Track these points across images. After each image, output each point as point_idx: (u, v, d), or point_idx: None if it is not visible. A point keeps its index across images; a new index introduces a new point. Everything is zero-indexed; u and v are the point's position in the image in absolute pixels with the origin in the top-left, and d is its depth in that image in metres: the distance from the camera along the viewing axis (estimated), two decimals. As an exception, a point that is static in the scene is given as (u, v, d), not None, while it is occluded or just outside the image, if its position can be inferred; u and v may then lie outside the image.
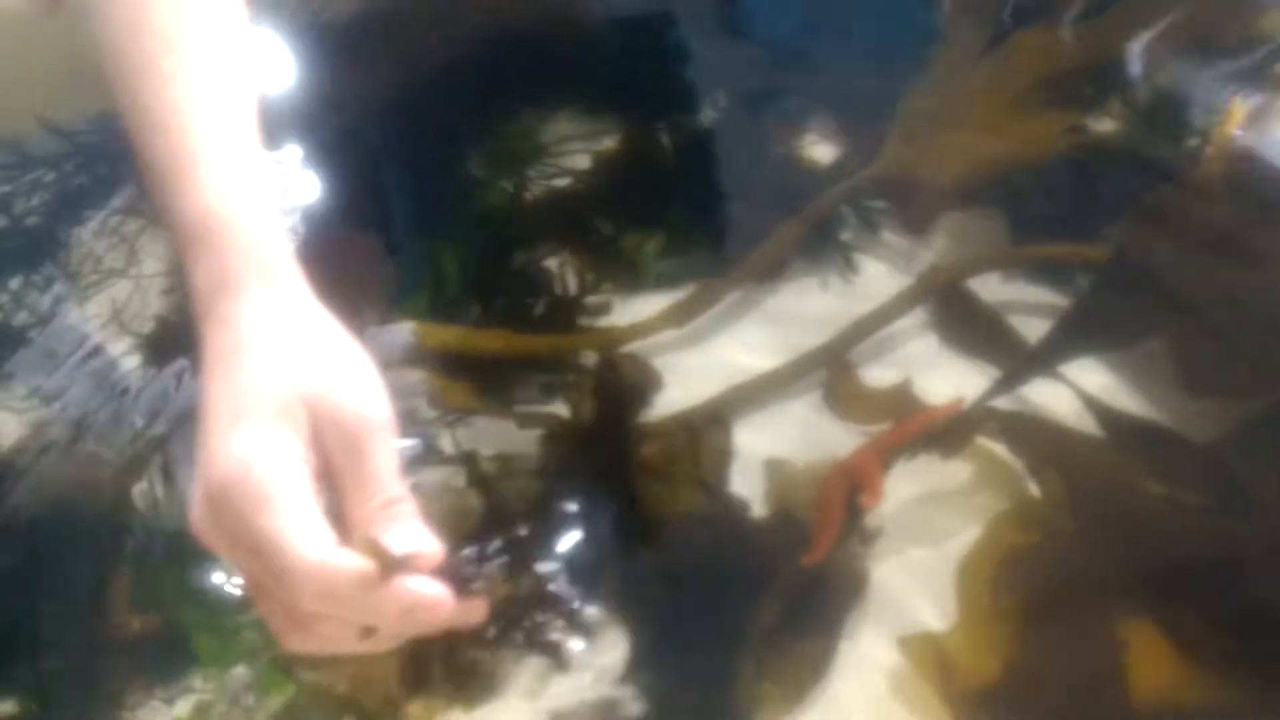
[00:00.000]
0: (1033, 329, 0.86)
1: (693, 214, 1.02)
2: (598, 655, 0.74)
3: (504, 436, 0.86)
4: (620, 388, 0.86)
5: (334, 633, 0.44)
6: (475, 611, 0.46)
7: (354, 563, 0.42)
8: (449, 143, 1.07)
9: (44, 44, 1.09)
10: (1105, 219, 0.91)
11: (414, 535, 0.44)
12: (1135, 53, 0.97)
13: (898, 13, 1.12)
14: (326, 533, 0.43)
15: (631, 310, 0.93)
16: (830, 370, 0.86)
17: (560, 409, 0.86)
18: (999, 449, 0.80)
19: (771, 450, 0.82)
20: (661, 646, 0.74)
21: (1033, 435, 0.79)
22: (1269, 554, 0.70)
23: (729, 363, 0.89)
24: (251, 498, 0.42)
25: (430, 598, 0.43)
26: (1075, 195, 0.94)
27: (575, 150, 1.05)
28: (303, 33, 1.08)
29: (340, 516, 0.45)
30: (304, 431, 0.44)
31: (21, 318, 0.99)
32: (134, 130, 0.53)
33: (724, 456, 0.82)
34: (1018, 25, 1.02)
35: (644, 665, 0.73)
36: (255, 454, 0.43)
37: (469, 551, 0.47)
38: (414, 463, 0.83)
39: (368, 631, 0.45)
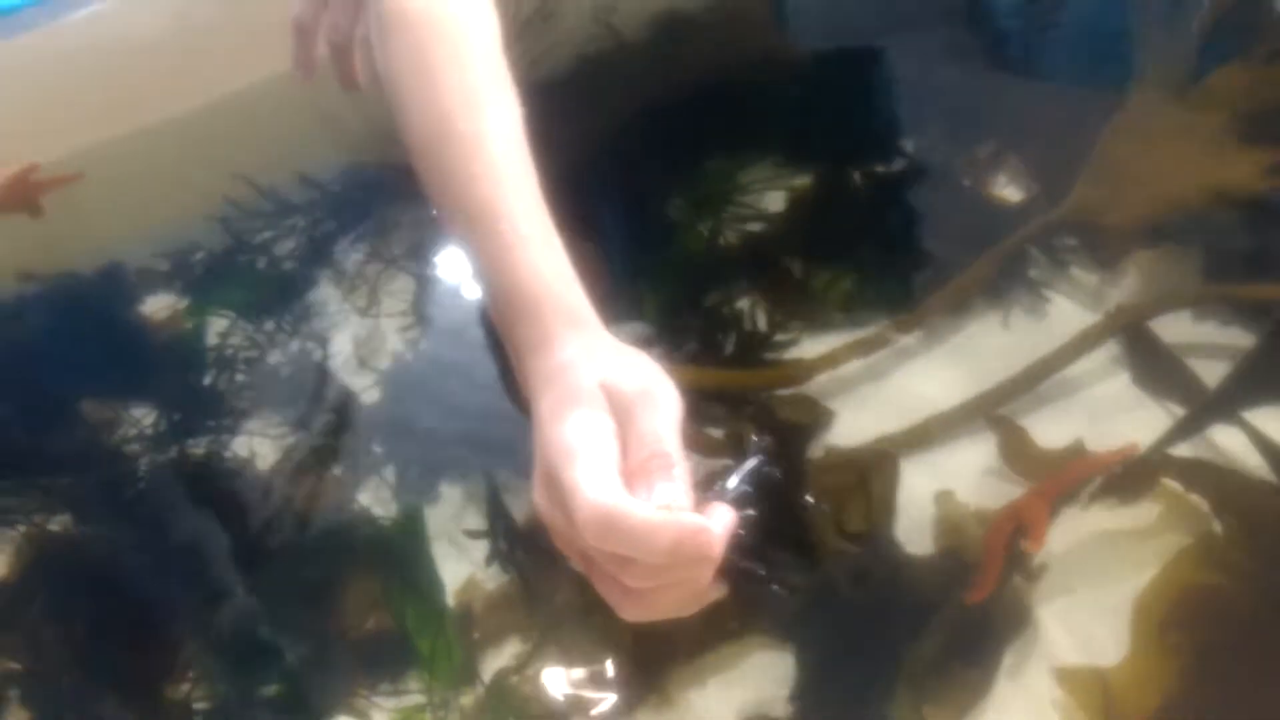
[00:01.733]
0: (1222, 372, 0.86)
1: (883, 253, 1.05)
2: (764, 678, 0.79)
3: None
4: (789, 422, 0.90)
5: (661, 599, 0.52)
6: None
7: (628, 502, 0.48)
8: (652, 188, 1.14)
9: (301, 103, 1.22)
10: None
11: (673, 492, 0.50)
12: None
13: (1099, 50, 1.13)
14: (616, 483, 0.49)
15: (820, 349, 0.96)
16: (1000, 428, 0.87)
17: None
18: (1177, 492, 0.80)
19: (941, 487, 0.85)
20: (824, 671, 0.78)
21: (1211, 479, 0.79)
22: None
23: (909, 397, 0.92)
24: (563, 457, 0.50)
25: (693, 525, 0.48)
26: (1273, 235, 0.93)
27: (772, 189, 1.10)
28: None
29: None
30: (608, 411, 0.53)
31: (275, 355, 1.11)
32: (448, 220, 0.63)
33: (894, 490, 0.86)
34: (1214, 63, 1.01)
35: (807, 689, 0.78)
36: (571, 429, 0.51)
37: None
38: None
39: (695, 595, 0.52)
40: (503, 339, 0.59)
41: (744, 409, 0.94)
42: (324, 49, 0.88)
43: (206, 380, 1.11)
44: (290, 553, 0.97)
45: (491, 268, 0.59)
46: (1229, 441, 0.81)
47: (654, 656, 0.82)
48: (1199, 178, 0.96)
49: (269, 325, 1.13)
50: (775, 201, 1.09)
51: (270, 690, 0.90)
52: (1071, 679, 0.73)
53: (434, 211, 0.66)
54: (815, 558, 0.83)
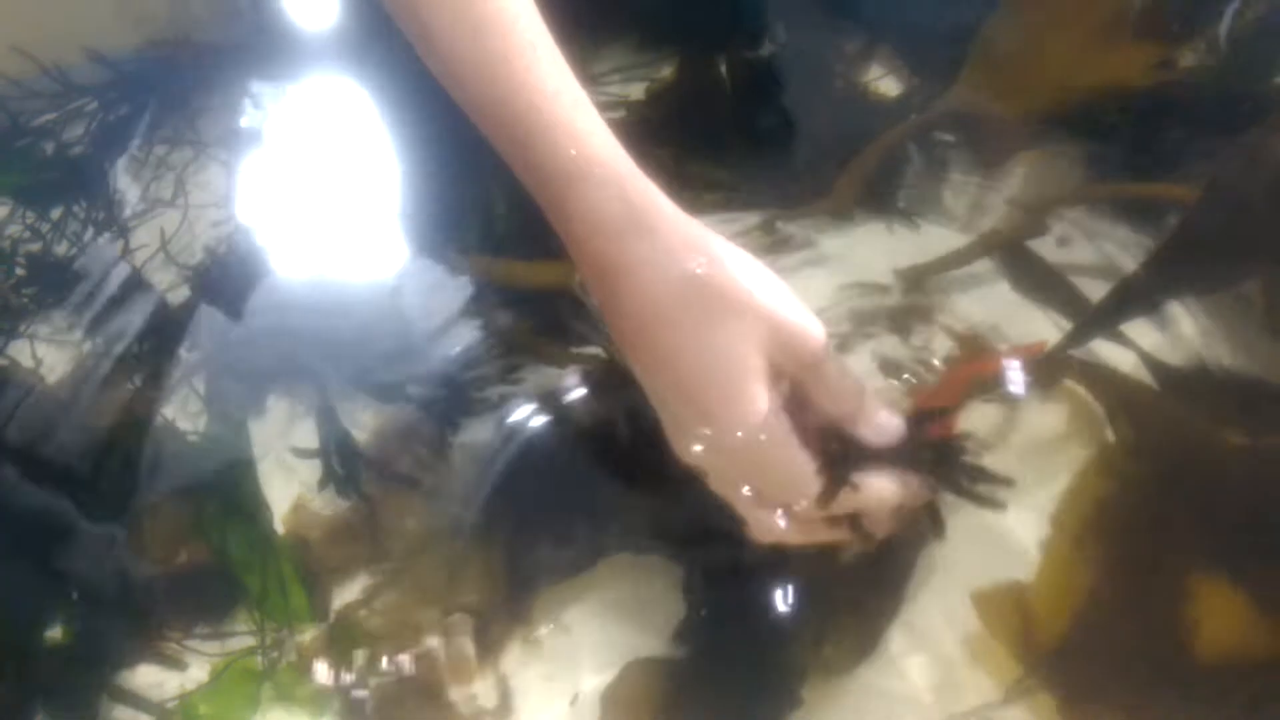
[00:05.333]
0: (1113, 276, 0.82)
1: (755, 148, 0.98)
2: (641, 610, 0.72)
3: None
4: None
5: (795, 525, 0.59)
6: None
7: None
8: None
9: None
10: (1195, 158, 0.86)
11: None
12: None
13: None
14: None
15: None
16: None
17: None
18: (1077, 400, 0.76)
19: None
20: (716, 589, 0.72)
21: (1117, 380, 0.76)
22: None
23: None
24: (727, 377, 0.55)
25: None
26: (1163, 132, 0.90)
27: (630, 80, 1.02)
28: None
29: None
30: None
31: (64, 248, 0.97)
32: (488, 105, 0.59)
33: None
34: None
35: (698, 620, 0.71)
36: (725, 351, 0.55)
37: None
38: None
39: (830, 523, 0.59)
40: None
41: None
42: None
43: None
44: (82, 476, 0.84)
45: (551, 142, 0.57)
46: (1130, 347, 0.77)
47: (522, 583, 0.73)
48: (1087, 70, 0.93)
49: (55, 214, 0.98)
50: (637, 92, 1.01)
51: (53, 636, 0.77)
52: (984, 603, 0.67)
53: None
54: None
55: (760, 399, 0.56)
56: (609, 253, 0.56)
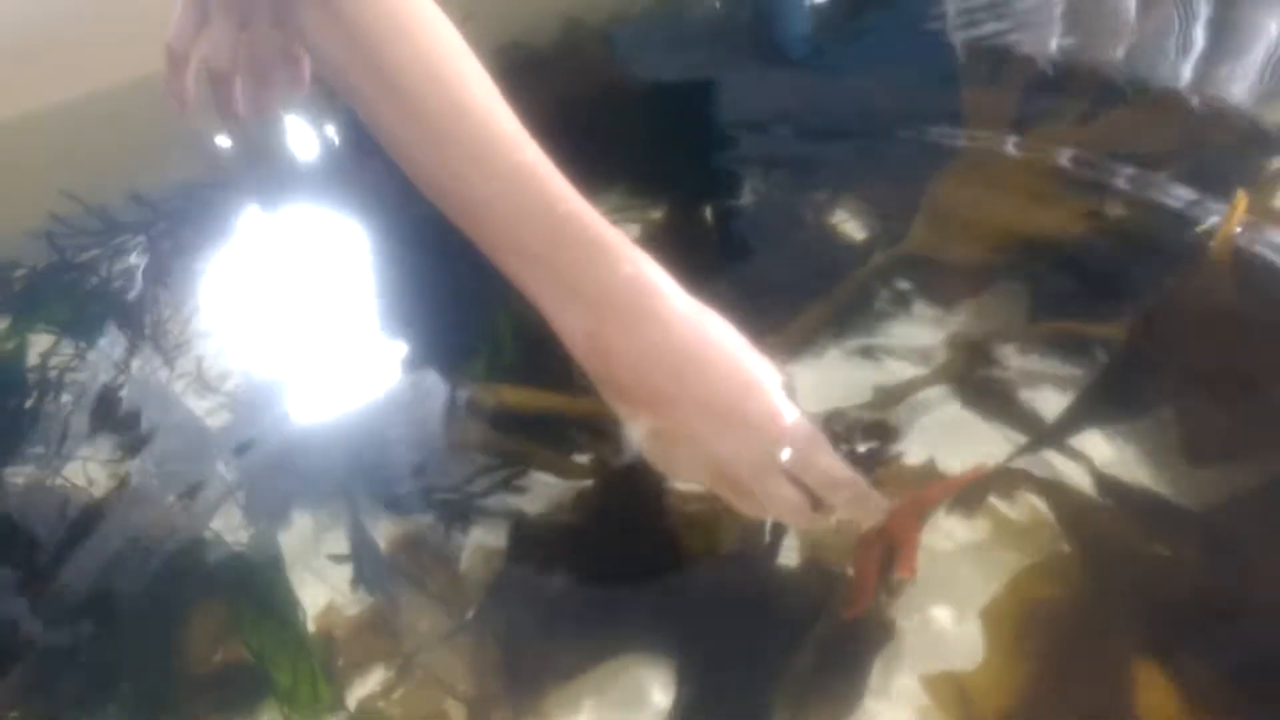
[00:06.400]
0: (1051, 402, 0.92)
1: (738, 286, 1.07)
2: (642, 698, 0.80)
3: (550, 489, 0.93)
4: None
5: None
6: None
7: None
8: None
9: (132, 119, 1.18)
10: (1122, 298, 0.97)
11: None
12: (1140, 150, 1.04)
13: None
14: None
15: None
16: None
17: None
18: (1019, 512, 0.85)
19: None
20: (702, 688, 0.80)
21: (1050, 500, 0.85)
22: (1263, 610, 0.75)
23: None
24: (761, 369, 0.71)
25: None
26: (1092, 276, 1.00)
27: (626, 220, 1.13)
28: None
29: None
30: None
31: (109, 376, 1.06)
32: (451, 186, 0.73)
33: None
34: (1033, 120, 1.11)
35: (686, 708, 0.79)
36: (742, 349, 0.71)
37: None
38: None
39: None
40: (551, 286, 0.71)
41: (607, 432, 0.95)
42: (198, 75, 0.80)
43: (27, 403, 1.05)
44: (128, 585, 0.92)
45: (529, 214, 0.70)
46: (1066, 466, 0.87)
47: (527, 679, 0.82)
48: (1025, 222, 1.04)
49: (101, 344, 1.08)
50: (633, 232, 1.12)
51: (105, 727, 0.85)
52: (934, 684, 0.76)
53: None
54: (687, 571, 0.85)
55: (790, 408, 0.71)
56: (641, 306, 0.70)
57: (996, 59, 1.20)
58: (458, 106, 0.71)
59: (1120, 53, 1.18)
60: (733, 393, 0.70)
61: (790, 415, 0.71)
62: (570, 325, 0.71)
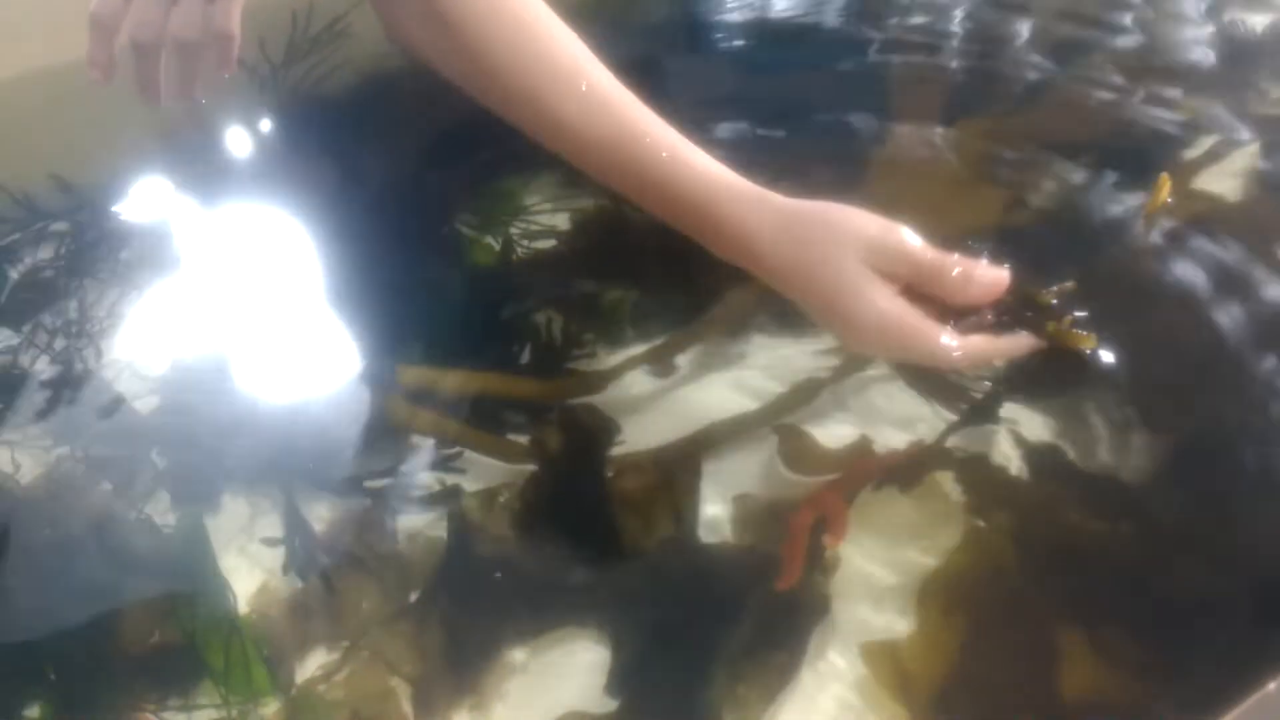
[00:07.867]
0: (983, 380, 0.94)
1: (665, 271, 1.09)
2: (580, 673, 0.81)
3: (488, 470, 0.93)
4: (588, 429, 0.94)
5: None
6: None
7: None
8: (442, 204, 1.15)
9: (64, 105, 1.16)
10: (1050, 279, 0.99)
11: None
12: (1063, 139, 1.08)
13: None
14: None
15: (615, 362, 1.00)
16: (783, 434, 0.93)
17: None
18: (950, 487, 0.87)
19: (738, 488, 0.90)
20: (640, 663, 0.81)
21: (980, 476, 0.87)
22: (1180, 577, 0.79)
23: (695, 408, 0.96)
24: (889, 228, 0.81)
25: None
26: (1022, 259, 1.02)
27: (559, 209, 1.14)
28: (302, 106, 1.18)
29: None
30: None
31: (39, 362, 1.04)
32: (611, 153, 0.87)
33: (694, 491, 0.90)
34: (955, 118, 1.14)
35: (624, 681, 0.80)
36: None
37: None
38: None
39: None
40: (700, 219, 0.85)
41: (544, 416, 0.96)
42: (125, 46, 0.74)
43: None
44: (59, 570, 0.91)
45: (673, 174, 0.85)
46: (996, 441, 0.89)
47: (470, 658, 0.82)
48: (950, 213, 1.07)
49: (26, 329, 1.06)
50: (564, 220, 1.13)
51: (34, 711, 0.83)
52: (870, 655, 0.78)
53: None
54: (625, 554, 0.86)
55: (879, 298, 0.79)
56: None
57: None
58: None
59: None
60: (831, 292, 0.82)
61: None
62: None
